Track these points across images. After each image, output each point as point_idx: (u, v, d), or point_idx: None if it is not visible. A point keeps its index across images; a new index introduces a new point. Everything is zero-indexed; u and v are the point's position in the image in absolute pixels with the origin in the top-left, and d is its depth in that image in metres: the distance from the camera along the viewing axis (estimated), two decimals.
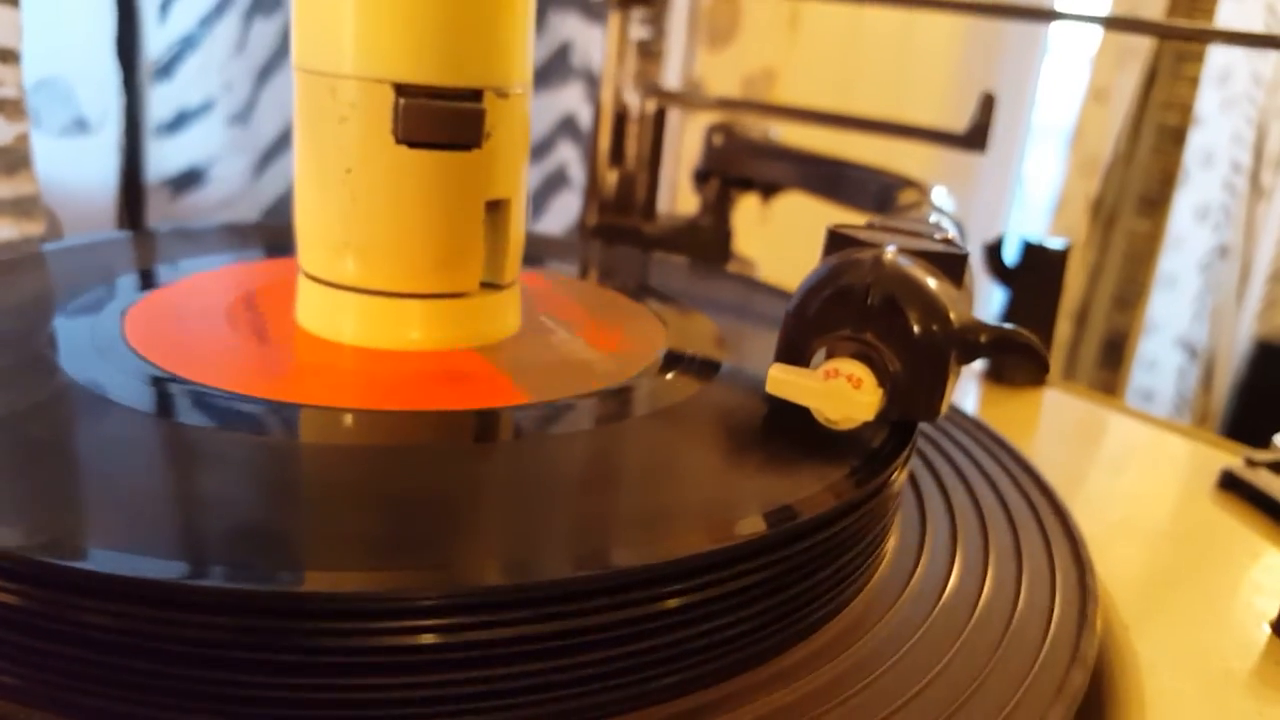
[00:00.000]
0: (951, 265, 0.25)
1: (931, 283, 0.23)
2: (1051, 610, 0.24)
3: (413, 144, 0.26)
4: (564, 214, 0.68)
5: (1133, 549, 0.31)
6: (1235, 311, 1.00)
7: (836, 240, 0.26)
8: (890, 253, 0.24)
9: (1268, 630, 0.26)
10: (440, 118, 0.26)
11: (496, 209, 0.28)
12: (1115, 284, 0.94)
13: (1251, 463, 0.35)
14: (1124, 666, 0.24)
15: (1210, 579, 0.29)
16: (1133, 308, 0.93)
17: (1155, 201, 0.93)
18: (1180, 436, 0.40)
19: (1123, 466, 0.38)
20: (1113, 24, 0.65)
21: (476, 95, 0.26)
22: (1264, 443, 0.38)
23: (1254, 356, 1.03)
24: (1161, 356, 1.01)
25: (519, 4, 0.26)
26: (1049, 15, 0.45)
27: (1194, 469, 0.37)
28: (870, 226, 0.27)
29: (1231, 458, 0.38)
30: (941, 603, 0.23)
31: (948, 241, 0.26)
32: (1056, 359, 0.77)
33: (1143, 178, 0.93)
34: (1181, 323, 1.00)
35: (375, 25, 0.25)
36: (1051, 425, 0.41)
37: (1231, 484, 0.35)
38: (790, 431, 0.24)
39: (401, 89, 0.25)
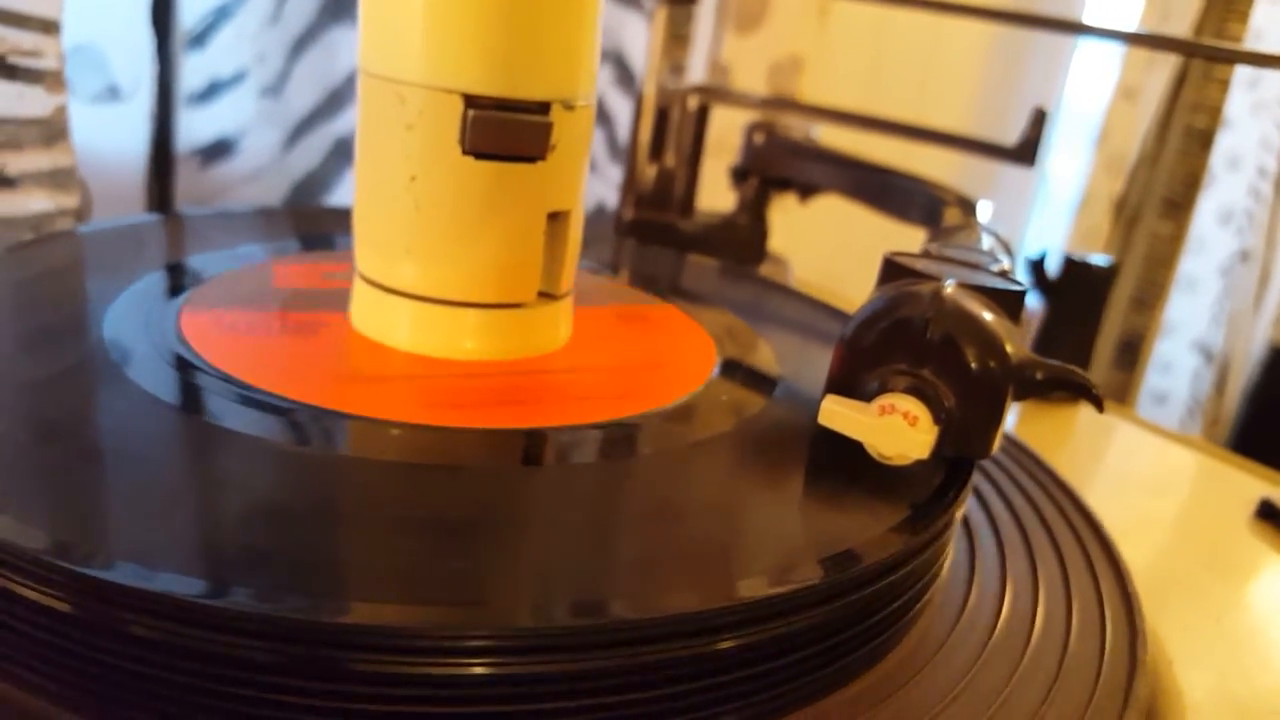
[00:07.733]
0: (1009, 300, 0.25)
1: (990, 319, 0.23)
2: (1102, 651, 0.24)
3: (479, 155, 0.26)
4: (586, 199, 0.68)
5: (1172, 578, 0.31)
6: (1252, 316, 1.00)
7: (893, 269, 0.26)
8: (949, 287, 0.24)
9: None
10: (508, 130, 0.25)
11: (557, 220, 0.28)
12: (1134, 285, 0.93)
13: None
14: (1169, 705, 0.24)
15: (1250, 612, 0.29)
16: (1150, 309, 0.93)
17: (1179, 204, 0.92)
18: (1216, 460, 0.40)
19: (1158, 489, 0.38)
20: (1139, 40, 0.64)
21: (544, 108, 0.26)
22: (1275, 449, 0.38)
23: (1269, 362, 1.03)
24: (1177, 359, 1.01)
25: (588, 17, 0.26)
26: (1076, 28, 0.44)
27: (1230, 495, 0.37)
28: (926, 254, 0.27)
29: (1267, 485, 0.38)
30: (994, 639, 0.23)
31: (1004, 274, 0.26)
32: None
33: (1167, 179, 0.92)
34: (1199, 326, 1.00)
35: (446, 36, 0.25)
36: (1085, 445, 0.41)
37: (1269, 514, 0.35)
38: (842, 463, 0.24)
39: (471, 100, 0.25)
